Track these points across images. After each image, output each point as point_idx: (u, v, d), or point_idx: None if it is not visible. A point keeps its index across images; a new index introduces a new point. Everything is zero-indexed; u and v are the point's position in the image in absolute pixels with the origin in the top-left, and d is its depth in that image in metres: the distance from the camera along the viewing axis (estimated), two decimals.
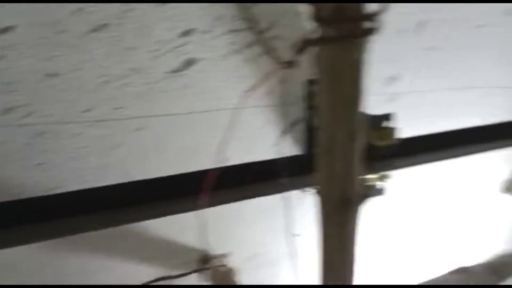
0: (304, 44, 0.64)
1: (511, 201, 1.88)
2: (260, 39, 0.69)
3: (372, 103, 1.31)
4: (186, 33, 1.05)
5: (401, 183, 1.45)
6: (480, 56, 1.55)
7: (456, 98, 1.53)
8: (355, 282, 0.80)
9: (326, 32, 0.60)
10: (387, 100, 1.44)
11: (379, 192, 1.24)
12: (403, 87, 1.44)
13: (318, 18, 0.59)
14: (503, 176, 1.91)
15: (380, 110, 1.27)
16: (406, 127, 1.33)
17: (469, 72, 1.55)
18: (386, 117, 1.16)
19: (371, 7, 0.64)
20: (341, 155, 0.69)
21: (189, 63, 1.08)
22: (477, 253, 1.34)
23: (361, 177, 0.72)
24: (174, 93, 1.08)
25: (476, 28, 1.53)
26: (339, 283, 0.77)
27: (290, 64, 0.68)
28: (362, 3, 0.63)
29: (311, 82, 1.28)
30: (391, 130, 1.17)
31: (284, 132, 1.24)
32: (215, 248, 1.28)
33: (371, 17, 0.63)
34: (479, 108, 1.57)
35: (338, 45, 0.62)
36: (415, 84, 1.46)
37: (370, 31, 0.63)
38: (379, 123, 1.15)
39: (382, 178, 1.21)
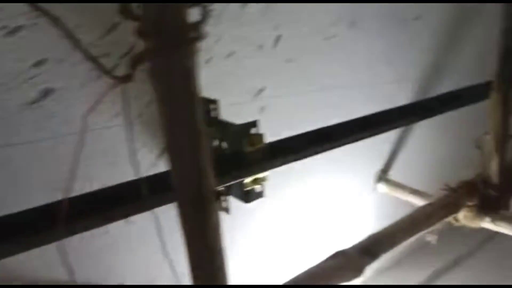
0: (135, 58, 0.68)
1: (383, 188, 2.10)
2: (88, 55, 0.71)
3: (244, 114, 1.41)
4: (39, 63, 1.04)
5: (277, 183, 1.56)
6: (332, 62, 1.75)
7: (318, 99, 1.71)
8: (229, 280, 0.84)
9: (149, 45, 0.64)
10: (257, 109, 1.56)
11: (258, 195, 1.32)
12: (270, 96, 1.57)
13: (139, 31, 0.64)
14: (375, 167, 2.14)
15: (252, 118, 1.35)
16: (277, 131, 1.44)
17: (326, 76, 1.74)
18: (253, 124, 1.25)
19: (194, 16, 0.71)
20: (187, 155, 0.73)
21: (46, 93, 1.06)
22: (353, 237, 1.49)
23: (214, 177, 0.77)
24: (32, 124, 1.05)
25: (327, 39, 1.73)
26: (211, 283, 0.80)
27: (125, 79, 0.71)
28: (184, 13, 0.69)
29: None
30: (259, 136, 1.26)
31: (153, 152, 1.27)
32: (86, 277, 1.27)
33: (194, 26, 0.69)
34: (340, 105, 1.77)
35: (165, 56, 0.67)
36: (280, 92, 1.60)
37: (194, 40, 0.69)
38: (247, 131, 1.24)
39: (258, 181, 1.29)
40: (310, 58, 1.70)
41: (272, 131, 1.44)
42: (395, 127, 1.83)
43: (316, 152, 1.41)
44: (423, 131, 2.22)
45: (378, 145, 2.10)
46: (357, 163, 2.04)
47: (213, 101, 1.27)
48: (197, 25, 0.70)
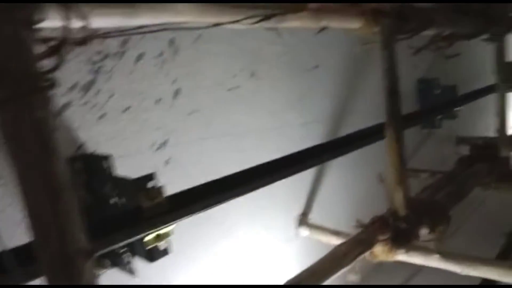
0: None
1: (304, 232, 2.10)
2: None
3: (147, 167, 1.36)
4: None
5: (198, 236, 1.50)
6: (238, 111, 1.78)
7: (224, 148, 1.70)
8: None
9: None
10: (161, 162, 1.51)
11: (163, 252, 1.24)
12: (174, 148, 1.54)
13: None
14: (296, 212, 2.15)
15: (156, 171, 1.30)
16: (182, 182, 1.40)
17: (232, 125, 1.75)
18: (150, 177, 1.20)
19: (46, 65, 0.68)
20: (49, 215, 0.67)
21: None
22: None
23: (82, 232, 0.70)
24: None
25: (231, 90, 1.77)
26: None
27: None
28: (33, 61, 0.65)
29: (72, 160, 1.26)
30: (158, 189, 1.21)
31: None
32: None
33: (44, 74, 0.65)
34: (247, 152, 1.78)
35: (12, 107, 0.63)
36: (184, 143, 1.57)
37: (45, 89, 0.65)
38: (144, 184, 1.18)
39: (161, 238, 1.22)
40: (215, 108, 1.72)
41: (178, 182, 1.40)
42: (304, 169, 1.86)
43: (220, 201, 1.37)
44: (336, 172, 2.29)
45: (296, 190, 2.12)
46: (277, 210, 2.04)
47: (106, 157, 1.21)
48: (47, 73, 0.66)
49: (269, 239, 2.00)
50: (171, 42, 1.56)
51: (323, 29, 1.72)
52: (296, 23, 1.41)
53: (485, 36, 2.61)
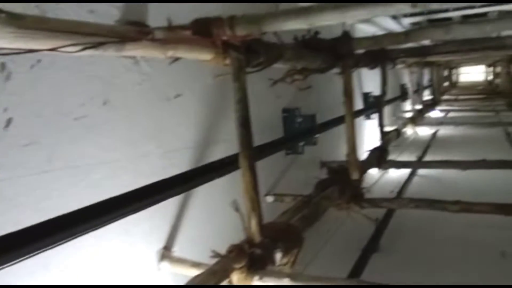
0: None
1: (166, 266, 2.02)
2: None
3: None
4: None
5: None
6: (87, 141, 1.66)
7: (67, 181, 1.57)
8: None
9: None
10: None
11: None
12: (5, 183, 1.37)
13: None
14: (158, 246, 2.06)
15: None
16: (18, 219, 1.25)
17: (79, 156, 1.63)
18: None
19: None
20: None
21: None
22: None
23: None
24: None
25: (77, 119, 1.65)
26: None
27: None
28: None
29: None
30: None
31: None
32: None
33: None
34: (98, 184, 1.67)
35: None
36: (21, 176, 1.41)
37: None
38: None
39: None
40: (59, 139, 1.58)
41: (10, 221, 1.24)
42: (161, 200, 1.81)
43: (56, 242, 1.25)
44: (202, 201, 2.27)
45: (157, 223, 2.04)
46: (136, 246, 1.93)
47: None
48: None
49: (128, 277, 1.88)
50: (2, 66, 1.40)
51: (177, 59, 1.72)
52: (139, 52, 1.39)
53: (337, 70, 2.90)
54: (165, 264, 2.05)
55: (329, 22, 1.57)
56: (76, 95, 1.67)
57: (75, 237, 1.37)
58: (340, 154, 4.20)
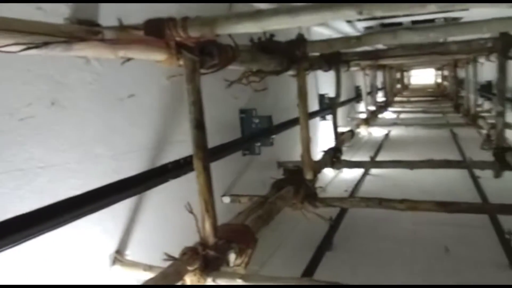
0: None
1: (118, 270, 1.98)
2: None
3: None
4: None
5: None
6: (34, 142, 1.60)
7: (12, 185, 1.51)
8: None
9: None
10: None
11: None
12: None
13: None
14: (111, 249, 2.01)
15: None
16: None
17: (25, 158, 1.57)
18: None
19: None
20: None
21: None
22: None
23: None
24: None
25: (22, 120, 1.59)
26: None
27: None
28: None
29: None
30: None
31: None
32: None
33: None
34: (43, 188, 1.61)
35: None
36: None
37: None
38: None
39: None
40: (2, 140, 1.51)
41: None
42: (110, 204, 1.77)
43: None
44: (156, 204, 2.24)
45: (109, 226, 1.99)
46: (88, 249, 1.88)
47: None
48: None
49: (79, 282, 1.82)
50: None
51: (129, 59, 1.69)
52: (88, 52, 1.35)
53: (292, 73, 2.95)
54: (118, 268, 2.01)
55: (281, 26, 1.60)
56: (23, 95, 1.60)
57: (17, 245, 1.32)
58: (297, 154, 4.26)
